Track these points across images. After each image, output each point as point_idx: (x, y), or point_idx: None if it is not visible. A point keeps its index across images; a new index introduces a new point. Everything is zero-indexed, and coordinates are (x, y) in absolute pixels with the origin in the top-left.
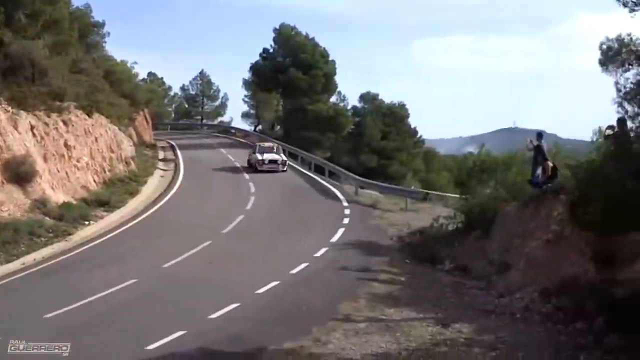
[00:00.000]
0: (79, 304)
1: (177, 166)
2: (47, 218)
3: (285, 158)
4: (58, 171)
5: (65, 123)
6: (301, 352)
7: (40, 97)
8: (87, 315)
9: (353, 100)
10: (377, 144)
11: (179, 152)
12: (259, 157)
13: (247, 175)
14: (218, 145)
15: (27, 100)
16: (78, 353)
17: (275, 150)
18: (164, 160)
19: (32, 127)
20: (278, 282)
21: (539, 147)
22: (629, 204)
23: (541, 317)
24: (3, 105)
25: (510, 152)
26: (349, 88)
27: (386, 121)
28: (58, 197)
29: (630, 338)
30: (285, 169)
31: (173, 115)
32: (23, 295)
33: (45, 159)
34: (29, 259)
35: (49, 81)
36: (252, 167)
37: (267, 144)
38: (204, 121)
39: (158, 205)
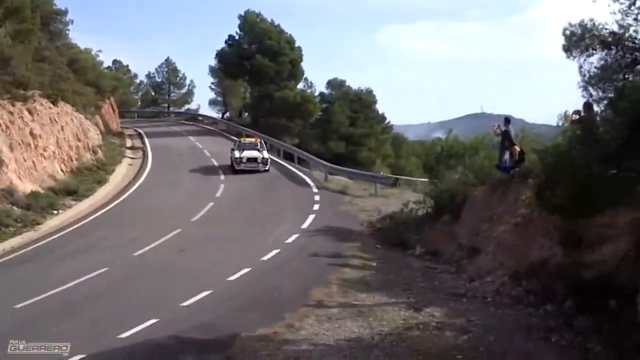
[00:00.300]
0: (49, 293)
1: (145, 154)
2: (14, 208)
3: (267, 156)
4: (24, 160)
5: (30, 112)
6: (274, 338)
7: (4, 86)
8: (58, 304)
9: (320, 87)
10: (345, 130)
11: (146, 140)
12: (237, 154)
13: (216, 163)
14: (186, 133)
15: None
16: (46, 343)
17: (258, 146)
18: (131, 148)
19: None
20: (249, 269)
21: (507, 132)
22: (595, 188)
23: (512, 300)
24: None
25: (477, 137)
26: (316, 75)
27: (354, 107)
28: (25, 186)
29: (599, 319)
30: (267, 168)
31: (140, 103)
32: None
33: (11, 148)
34: None
35: (12, 70)
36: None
37: (248, 140)
38: (171, 109)
39: (127, 194)
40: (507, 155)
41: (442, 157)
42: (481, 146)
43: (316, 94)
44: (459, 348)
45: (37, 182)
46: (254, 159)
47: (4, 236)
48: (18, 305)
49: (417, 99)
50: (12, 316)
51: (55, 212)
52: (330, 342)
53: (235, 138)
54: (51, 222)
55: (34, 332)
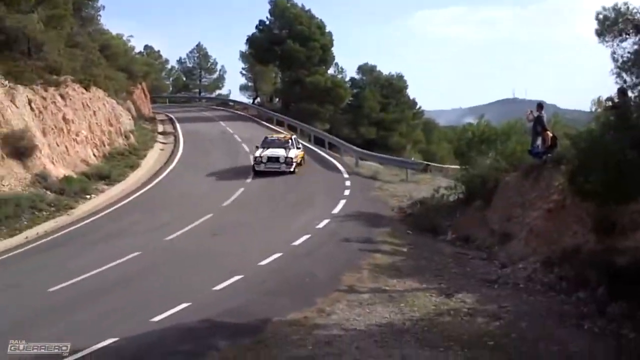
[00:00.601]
0: (82, 277)
1: (176, 139)
2: (48, 192)
3: (295, 154)
4: (57, 145)
5: (62, 97)
6: (306, 322)
7: (37, 72)
8: (91, 288)
9: (351, 73)
10: (376, 115)
11: (178, 125)
12: (257, 153)
13: (247, 148)
14: (217, 118)
15: (24, 74)
16: (83, 326)
17: (288, 143)
18: (163, 133)
19: (29, 102)
20: (281, 254)
21: (539, 117)
22: (628, 174)
23: (544, 287)
24: (0, 80)
25: (509, 123)
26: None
27: (385, 93)
28: (58, 171)
29: (632, 306)
30: (292, 169)
31: (171, 88)
32: (27, 269)
33: (44, 133)
34: (32, 233)
35: (44, 55)
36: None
37: (276, 136)
38: (202, 94)
39: (159, 179)
40: (539, 141)
41: (473, 143)
42: (513, 131)
43: (347, 79)
44: (490, 334)
45: (70, 167)
46: (276, 159)
47: (37, 220)
48: (52, 289)
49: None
50: (46, 299)
51: (88, 196)
52: (362, 327)
53: (265, 123)
54: (84, 207)
55: (67, 315)
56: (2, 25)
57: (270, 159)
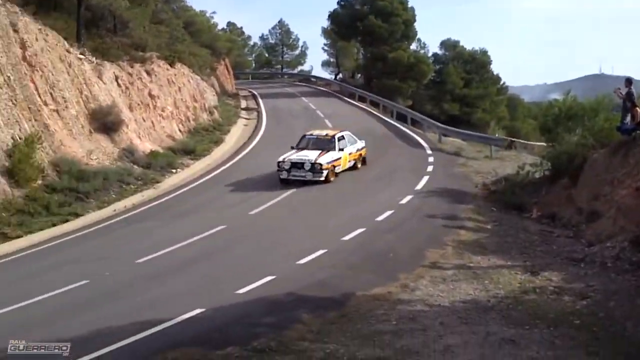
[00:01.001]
0: (169, 249)
1: (259, 115)
2: (135, 166)
3: (332, 158)
4: (144, 120)
5: (148, 73)
6: (389, 297)
7: (123, 48)
8: (177, 260)
9: (434, 48)
10: (459, 91)
11: (260, 101)
12: (282, 157)
13: (329, 123)
14: (299, 94)
15: (110, 51)
16: (171, 296)
17: (330, 142)
18: (246, 109)
19: (116, 78)
20: (364, 229)
21: (629, 93)
22: None
23: (632, 266)
24: (87, 56)
25: (597, 99)
26: (430, 36)
27: (468, 68)
28: (145, 145)
29: None
30: (323, 177)
31: (253, 64)
32: (115, 241)
33: (130, 108)
34: (119, 205)
35: (130, 32)
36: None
37: (317, 133)
38: (284, 70)
39: (243, 154)
40: (628, 118)
41: (560, 119)
42: (601, 107)
43: (429, 54)
44: (577, 313)
45: (156, 142)
46: (300, 164)
47: (125, 193)
48: (139, 260)
49: (532, 60)
50: (134, 270)
51: (173, 170)
52: (446, 304)
53: (347, 99)
54: (170, 181)
55: (155, 286)
56: (89, 3)
57: (295, 165)
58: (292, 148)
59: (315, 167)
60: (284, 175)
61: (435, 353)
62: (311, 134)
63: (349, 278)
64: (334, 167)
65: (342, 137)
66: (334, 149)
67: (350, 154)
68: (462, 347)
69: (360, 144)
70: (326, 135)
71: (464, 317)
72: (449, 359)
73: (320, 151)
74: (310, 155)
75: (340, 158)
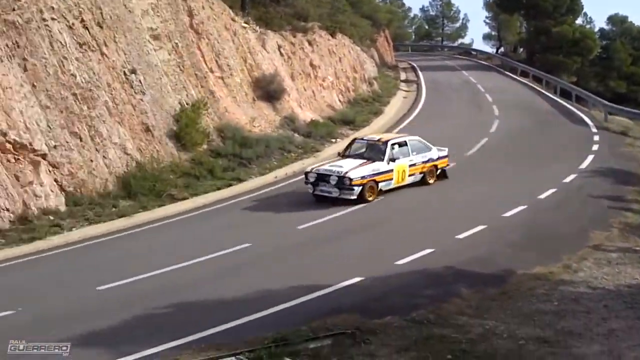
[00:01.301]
0: (327, 218)
1: (419, 87)
2: (296, 135)
3: (372, 170)
4: (305, 90)
5: (310, 43)
6: (551, 277)
7: (286, 18)
8: (336, 228)
9: (600, 23)
10: (627, 69)
11: (420, 74)
12: (311, 167)
13: (490, 98)
14: (459, 68)
15: (274, 20)
16: (330, 263)
17: (380, 150)
18: (405, 81)
19: (279, 47)
20: (525, 206)
21: None
22: None
23: None
24: (251, 25)
25: None
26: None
27: (637, 45)
28: (305, 115)
29: None
30: (355, 196)
31: (413, 36)
32: (276, 207)
33: (292, 77)
34: (280, 172)
35: (292, 2)
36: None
37: (368, 137)
38: (444, 43)
39: (402, 125)
40: None
41: None
42: None
43: (595, 30)
44: None
45: (316, 112)
46: (326, 177)
47: (286, 161)
48: (301, 227)
49: None
50: (295, 236)
51: (333, 140)
52: (610, 287)
53: (508, 73)
54: (329, 150)
55: (314, 252)
56: None
57: (321, 178)
58: (338, 155)
59: (344, 182)
60: (311, 190)
61: (599, 336)
62: (364, 138)
63: (509, 255)
64: (376, 182)
65: (402, 144)
66: (381, 159)
67: (412, 165)
68: (626, 332)
69: (435, 152)
70: (379, 140)
71: (629, 301)
72: (614, 343)
73: (364, 160)
74: (345, 165)
75: (388, 171)
